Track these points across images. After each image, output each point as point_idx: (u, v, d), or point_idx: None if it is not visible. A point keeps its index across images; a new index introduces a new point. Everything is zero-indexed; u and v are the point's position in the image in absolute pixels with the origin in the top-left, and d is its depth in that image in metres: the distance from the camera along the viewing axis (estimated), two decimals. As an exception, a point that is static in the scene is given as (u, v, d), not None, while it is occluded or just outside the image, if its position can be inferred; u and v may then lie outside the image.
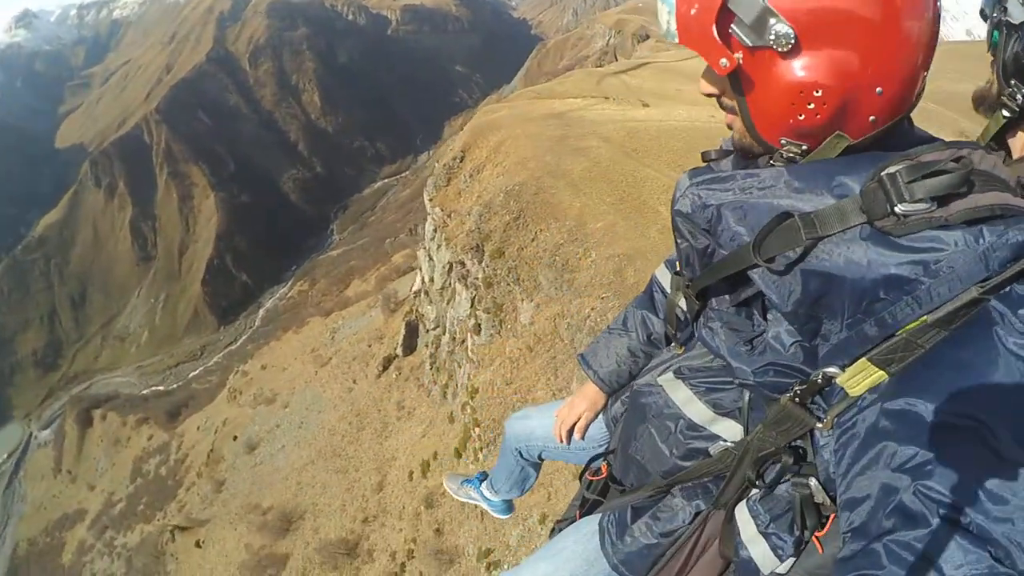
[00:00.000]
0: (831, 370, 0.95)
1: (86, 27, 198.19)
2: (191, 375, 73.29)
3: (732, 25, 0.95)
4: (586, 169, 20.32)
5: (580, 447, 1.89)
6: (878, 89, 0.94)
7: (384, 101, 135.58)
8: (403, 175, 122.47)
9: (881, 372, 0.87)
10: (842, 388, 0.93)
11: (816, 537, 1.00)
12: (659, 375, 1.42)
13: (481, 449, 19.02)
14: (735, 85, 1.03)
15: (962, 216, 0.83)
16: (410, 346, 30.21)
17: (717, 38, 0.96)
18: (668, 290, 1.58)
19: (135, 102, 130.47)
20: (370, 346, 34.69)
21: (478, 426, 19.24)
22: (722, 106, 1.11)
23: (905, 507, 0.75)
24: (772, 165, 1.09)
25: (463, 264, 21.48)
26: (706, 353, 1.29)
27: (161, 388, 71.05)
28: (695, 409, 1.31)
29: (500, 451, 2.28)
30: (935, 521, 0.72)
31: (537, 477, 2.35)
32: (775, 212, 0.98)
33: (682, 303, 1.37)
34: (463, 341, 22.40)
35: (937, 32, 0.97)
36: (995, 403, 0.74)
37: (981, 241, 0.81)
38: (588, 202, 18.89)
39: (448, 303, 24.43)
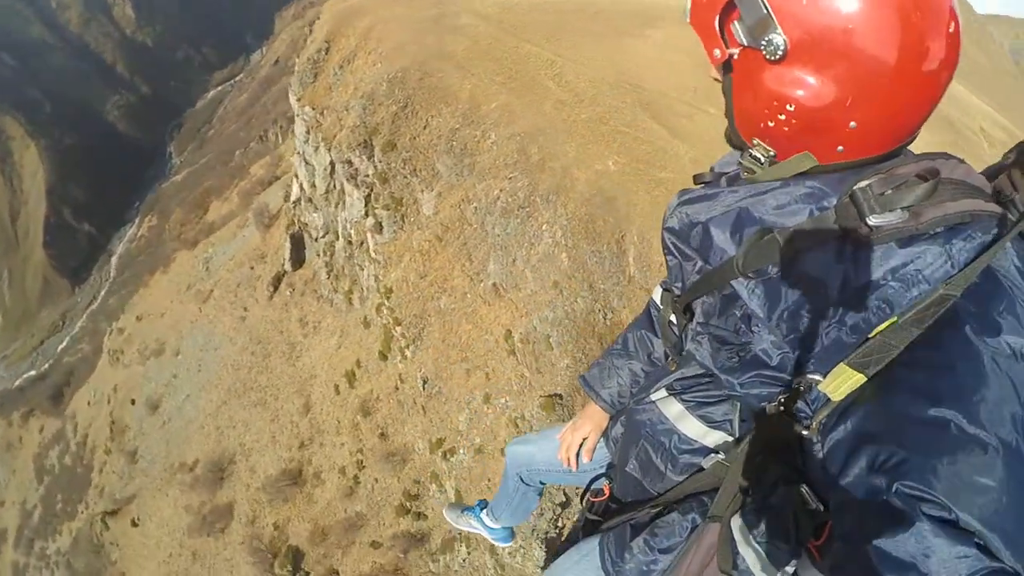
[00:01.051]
0: (813, 377, 0.98)
1: None
2: (59, 349, 66.02)
3: (735, 21, 1.00)
4: (468, 49, 19.38)
5: (582, 469, 1.89)
6: (852, 123, 0.95)
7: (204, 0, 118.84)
8: (237, 79, 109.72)
9: (860, 375, 0.88)
10: (825, 394, 0.95)
11: (813, 546, 1.01)
12: (652, 392, 1.43)
13: (407, 347, 18.98)
14: (726, 75, 1.08)
15: (933, 224, 0.86)
16: (299, 259, 28.70)
17: (717, 29, 1.02)
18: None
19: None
20: (253, 268, 32.55)
21: (399, 324, 19.09)
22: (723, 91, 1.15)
23: (890, 508, 0.77)
24: (750, 181, 1.13)
25: (350, 163, 20.20)
26: (696, 367, 1.31)
27: (34, 373, 63.60)
28: (688, 424, 1.33)
29: (502, 477, 2.31)
30: (920, 519, 0.73)
31: (539, 502, 2.36)
32: (757, 227, 1.02)
33: (673, 318, 1.40)
34: (362, 243, 21.60)
35: (948, 78, 0.94)
36: (969, 397, 0.77)
37: (947, 245, 0.86)
38: (478, 83, 18.18)
39: (337, 206, 23.17)
